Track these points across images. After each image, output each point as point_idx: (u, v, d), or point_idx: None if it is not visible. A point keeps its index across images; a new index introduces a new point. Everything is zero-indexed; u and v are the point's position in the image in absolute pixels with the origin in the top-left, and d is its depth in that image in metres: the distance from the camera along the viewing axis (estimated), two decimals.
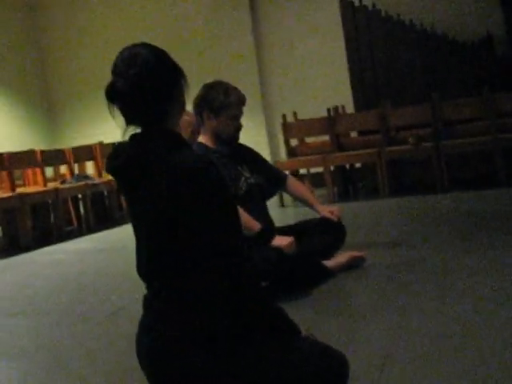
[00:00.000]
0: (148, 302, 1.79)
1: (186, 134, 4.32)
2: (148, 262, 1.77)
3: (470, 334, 2.31)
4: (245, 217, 3.11)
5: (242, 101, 3.38)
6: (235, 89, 3.37)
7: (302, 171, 7.67)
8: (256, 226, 3.15)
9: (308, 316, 2.79)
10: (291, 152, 7.44)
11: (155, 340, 1.71)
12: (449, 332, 2.36)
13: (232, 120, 3.36)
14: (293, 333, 1.76)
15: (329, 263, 3.42)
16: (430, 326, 2.45)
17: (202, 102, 3.38)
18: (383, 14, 7.92)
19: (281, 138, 7.60)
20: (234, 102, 3.33)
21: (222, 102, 3.31)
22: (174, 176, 1.67)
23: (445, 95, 7.12)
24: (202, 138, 3.46)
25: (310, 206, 3.69)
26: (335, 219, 3.57)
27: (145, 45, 1.81)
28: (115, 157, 1.80)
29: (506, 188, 6.35)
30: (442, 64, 7.60)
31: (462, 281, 3.08)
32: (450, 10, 7.98)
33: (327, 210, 3.62)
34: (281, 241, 3.13)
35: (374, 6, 7.97)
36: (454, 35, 7.76)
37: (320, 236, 3.53)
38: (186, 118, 4.37)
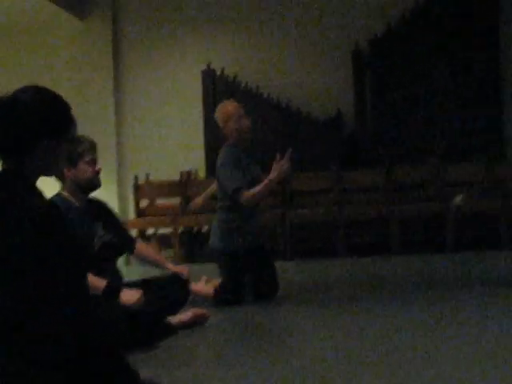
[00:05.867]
0: None
1: (234, 124, 4.42)
2: None
3: None
4: (90, 277, 3.16)
5: (93, 146, 3.55)
6: (85, 136, 3.54)
7: (150, 231, 7.59)
8: (101, 283, 3.27)
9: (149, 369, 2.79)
10: (140, 212, 7.42)
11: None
12: None
13: (89, 164, 3.48)
14: (131, 380, 1.75)
15: (173, 319, 3.50)
16: (267, 380, 2.56)
17: None
18: (243, 85, 8.16)
19: (131, 197, 7.58)
20: (87, 148, 3.48)
21: (76, 151, 3.43)
22: (8, 223, 1.62)
23: (296, 168, 7.34)
24: (62, 191, 3.52)
25: (161, 265, 3.89)
26: (185, 275, 3.81)
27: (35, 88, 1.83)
28: None
29: (344, 257, 6.60)
30: (294, 138, 7.85)
31: (299, 341, 3.28)
32: (305, 87, 8.28)
33: (177, 268, 3.88)
34: (130, 295, 3.29)
35: (235, 78, 8.20)
36: (308, 111, 8.07)
37: (167, 291, 3.66)
38: (228, 108, 4.50)
